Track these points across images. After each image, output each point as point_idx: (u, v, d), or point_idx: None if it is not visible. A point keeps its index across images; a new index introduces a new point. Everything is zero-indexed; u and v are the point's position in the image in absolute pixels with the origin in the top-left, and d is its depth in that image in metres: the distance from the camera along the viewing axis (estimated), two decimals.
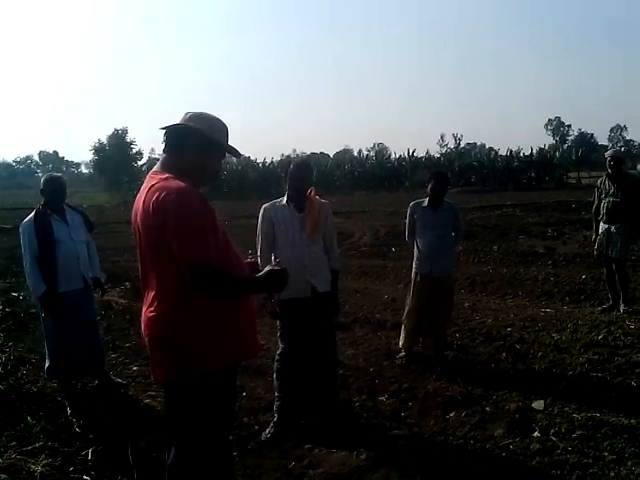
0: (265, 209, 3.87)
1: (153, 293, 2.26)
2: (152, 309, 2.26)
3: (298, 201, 3.80)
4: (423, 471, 3.16)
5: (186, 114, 2.39)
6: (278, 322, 3.88)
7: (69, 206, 4.51)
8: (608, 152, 6.58)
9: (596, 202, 6.53)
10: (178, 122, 2.35)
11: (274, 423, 3.78)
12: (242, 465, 3.35)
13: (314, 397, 3.93)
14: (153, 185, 2.22)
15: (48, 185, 4.38)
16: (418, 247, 5.01)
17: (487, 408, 3.93)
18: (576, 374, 4.41)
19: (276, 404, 3.84)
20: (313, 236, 3.76)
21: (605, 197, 6.36)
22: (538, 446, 3.33)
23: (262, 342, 5.70)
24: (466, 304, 6.97)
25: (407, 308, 5.10)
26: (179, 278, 2.16)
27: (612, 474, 3.03)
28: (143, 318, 2.33)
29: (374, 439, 3.56)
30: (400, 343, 5.11)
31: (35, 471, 3.13)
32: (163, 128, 2.37)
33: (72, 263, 4.31)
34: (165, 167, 2.32)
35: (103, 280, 4.74)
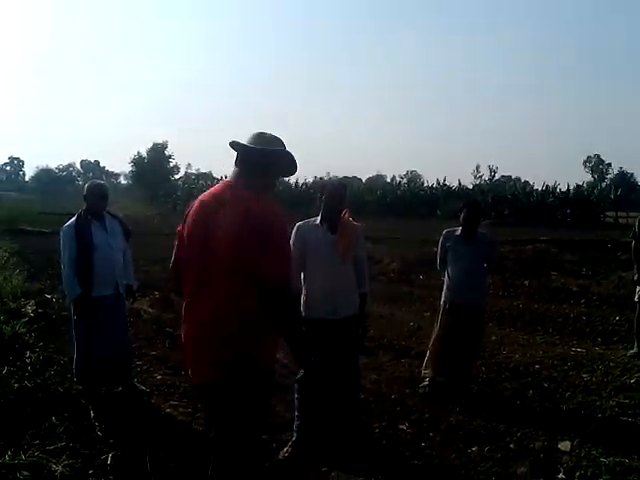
0: (298, 227, 3.88)
1: (211, 297, 2.35)
2: (210, 311, 2.36)
3: (332, 222, 3.82)
4: None
5: (262, 135, 2.53)
6: None
7: (109, 213, 4.63)
8: None
9: (636, 238, 6.17)
10: (261, 144, 2.48)
11: (292, 443, 3.77)
12: None
13: (335, 419, 3.89)
14: (241, 201, 2.32)
15: (91, 191, 4.51)
16: (449, 276, 4.96)
17: (511, 445, 3.84)
18: (605, 417, 4.28)
19: (296, 424, 3.82)
20: (344, 257, 3.76)
21: None
22: None
23: (285, 361, 5.78)
24: (493, 338, 6.84)
25: (433, 336, 5.04)
26: (243, 288, 2.29)
27: None
28: (193, 320, 2.45)
29: (392, 467, 3.50)
30: (423, 372, 5.04)
31: (56, 471, 3.19)
32: (249, 148, 2.47)
33: (107, 269, 4.39)
34: (248, 185, 2.42)
35: (135, 287, 4.84)
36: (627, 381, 5.03)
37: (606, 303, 9.16)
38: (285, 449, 3.74)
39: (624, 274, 11.14)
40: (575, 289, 10.36)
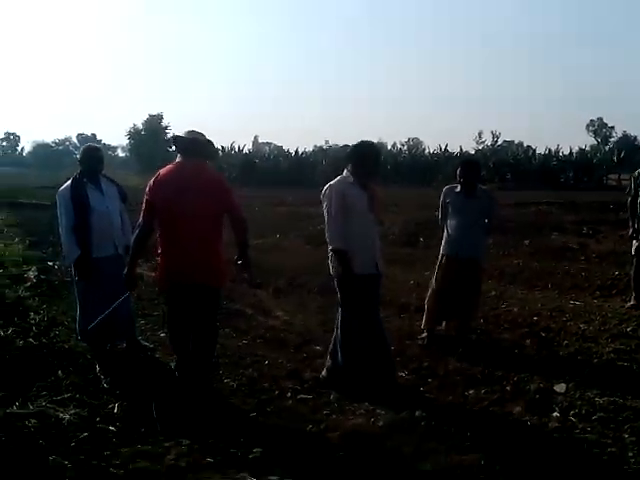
0: (336, 185, 3.95)
1: (203, 237, 3.67)
2: (206, 245, 3.69)
3: (365, 181, 3.96)
4: (438, 438, 3.19)
5: (190, 131, 3.77)
6: (340, 294, 3.99)
7: (105, 176, 4.63)
8: None
9: (632, 194, 6.27)
10: (196, 137, 3.74)
11: (330, 369, 4.05)
12: (262, 425, 3.44)
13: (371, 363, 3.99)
14: (206, 171, 3.75)
15: (87, 154, 4.51)
16: (447, 231, 5.02)
17: (507, 388, 3.92)
18: (601, 362, 4.35)
19: (337, 358, 4.01)
20: (377, 215, 3.99)
21: None
22: (557, 425, 3.32)
23: (286, 318, 5.87)
24: (493, 293, 6.90)
25: (430, 289, 5.10)
26: (220, 227, 3.79)
27: (630, 454, 3.00)
28: (186, 246, 3.63)
29: (392, 408, 3.60)
30: (422, 324, 5.12)
31: (63, 419, 3.27)
32: (184, 138, 3.75)
33: (105, 231, 4.42)
34: (201, 160, 3.75)
35: None
36: (624, 329, 5.10)
37: (605, 260, 9.20)
38: (323, 372, 4.09)
39: (624, 232, 11.15)
40: (575, 247, 10.40)
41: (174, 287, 3.75)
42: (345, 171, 4.02)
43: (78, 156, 4.59)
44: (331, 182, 4.02)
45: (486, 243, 5.35)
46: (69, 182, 4.45)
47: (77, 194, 4.36)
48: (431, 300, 5.05)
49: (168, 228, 3.71)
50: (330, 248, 3.96)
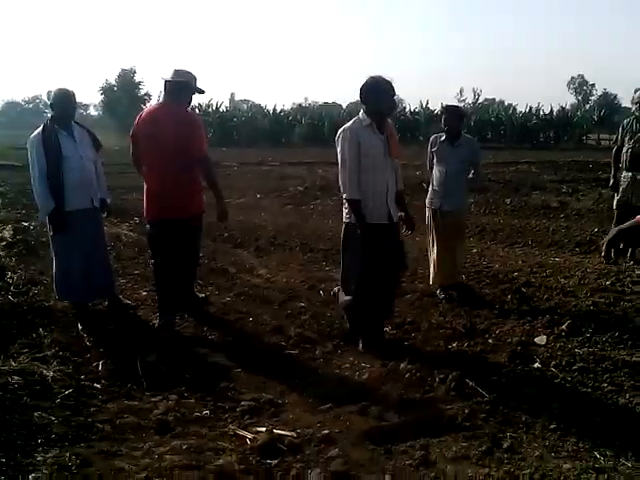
0: (349, 130, 3.72)
1: (174, 173, 4.08)
2: (177, 180, 4.09)
3: (381, 122, 3.75)
4: (422, 389, 3.26)
5: (177, 70, 4.18)
6: (349, 245, 3.92)
7: (77, 123, 4.43)
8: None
9: (618, 144, 6.21)
10: (177, 77, 4.15)
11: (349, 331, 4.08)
12: (248, 379, 3.46)
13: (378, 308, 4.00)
14: (180, 113, 4.13)
15: (59, 99, 4.29)
16: (432, 183, 5.04)
17: (489, 340, 3.98)
18: (581, 315, 4.42)
19: (351, 315, 4.03)
20: (396, 157, 3.77)
21: (631, 141, 6.01)
22: (537, 374, 3.38)
23: (269, 275, 5.85)
24: (474, 250, 6.95)
25: (430, 244, 5.13)
26: (188, 163, 4.09)
27: (610, 402, 3.08)
28: (162, 183, 4.12)
29: (377, 362, 3.65)
30: (431, 281, 5.14)
31: (47, 376, 3.23)
32: (168, 81, 4.17)
33: (79, 180, 4.25)
34: (177, 103, 4.15)
35: (109, 201, 4.69)
36: (603, 283, 5.19)
37: (585, 217, 9.32)
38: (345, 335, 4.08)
39: (604, 191, 11.27)
40: (555, 205, 10.50)
41: (154, 220, 4.21)
42: (361, 112, 3.80)
43: (49, 100, 4.36)
44: (345, 125, 3.81)
45: (467, 191, 5.31)
46: (40, 128, 4.25)
47: (49, 140, 4.16)
48: (436, 254, 5.05)
49: (147, 164, 4.23)
50: (344, 197, 3.84)
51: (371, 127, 3.72)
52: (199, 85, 4.32)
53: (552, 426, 2.83)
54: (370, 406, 3.04)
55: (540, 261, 6.38)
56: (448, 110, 5.05)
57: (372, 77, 3.74)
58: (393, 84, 3.75)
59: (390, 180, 3.81)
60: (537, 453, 2.61)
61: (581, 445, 2.68)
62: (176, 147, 3.97)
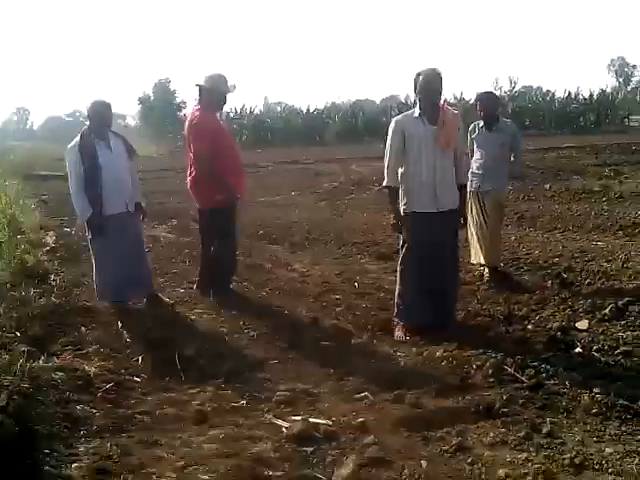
0: (397, 122, 3.89)
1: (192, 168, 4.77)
2: (195, 175, 4.76)
3: (431, 113, 3.77)
4: (461, 373, 3.24)
5: (208, 76, 4.68)
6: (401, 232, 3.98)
7: (112, 132, 4.56)
8: None
9: None
10: (205, 82, 4.65)
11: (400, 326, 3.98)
12: (284, 371, 3.48)
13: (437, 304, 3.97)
14: (195, 114, 4.71)
15: (95, 109, 4.43)
16: (472, 166, 5.03)
17: (529, 326, 3.90)
18: (624, 299, 4.26)
19: (400, 313, 4.01)
20: (447, 149, 3.76)
21: None
22: (579, 359, 3.29)
23: (304, 270, 5.87)
24: (513, 237, 6.80)
25: (471, 225, 5.09)
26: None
27: None
28: (190, 180, 4.86)
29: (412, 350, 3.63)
30: (475, 261, 5.16)
31: (89, 372, 3.33)
32: (200, 87, 4.69)
33: (115, 188, 4.38)
34: (203, 107, 4.69)
35: (144, 205, 4.84)
36: None
37: (628, 200, 8.99)
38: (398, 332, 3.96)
39: None
40: (597, 189, 10.16)
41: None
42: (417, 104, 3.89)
43: (86, 112, 4.50)
44: (397, 117, 3.98)
45: (507, 175, 5.28)
46: (77, 138, 4.39)
47: (86, 150, 4.30)
48: (476, 235, 5.07)
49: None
50: (383, 184, 3.98)
51: (420, 118, 3.79)
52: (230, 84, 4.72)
53: (593, 411, 2.75)
54: (406, 394, 3.01)
55: (581, 246, 6.19)
56: (482, 96, 5.17)
57: (425, 70, 3.80)
58: (441, 76, 3.79)
59: (439, 170, 3.79)
60: (578, 438, 2.54)
61: (623, 429, 2.60)
62: (190, 145, 4.80)
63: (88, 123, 4.49)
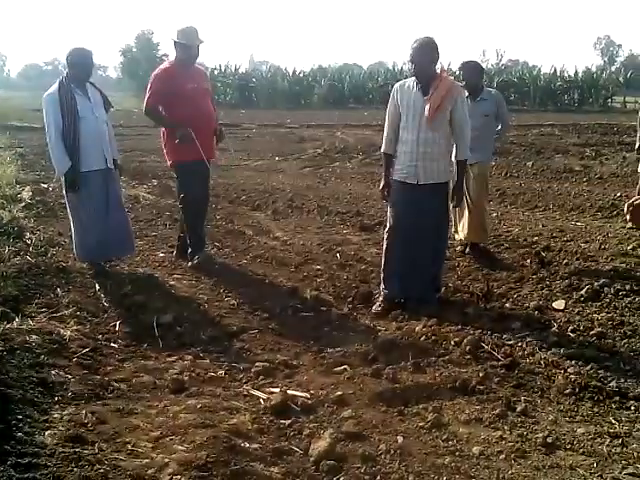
0: (395, 89, 3.86)
1: None
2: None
3: (424, 82, 3.70)
4: (439, 349, 3.26)
5: (179, 30, 4.54)
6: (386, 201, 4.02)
7: (91, 83, 4.38)
8: None
9: None
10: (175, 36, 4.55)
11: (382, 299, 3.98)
12: (263, 341, 3.47)
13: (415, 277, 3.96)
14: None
15: (76, 57, 4.23)
16: None
17: (507, 304, 3.95)
18: (601, 280, 4.33)
19: (383, 283, 4.01)
20: (432, 119, 3.65)
21: None
22: (554, 339, 3.34)
23: (286, 238, 5.82)
24: (494, 214, 6.81)
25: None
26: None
27: (627, 368, 3.04)
28: None
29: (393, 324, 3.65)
30: (455, 235, 5.15)
31: (64, 335, 3.28)
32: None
33: (94, 141, 4.23)
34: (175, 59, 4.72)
35: (119, 161, 4.69)
36: (624, 248, 5.07)
37: (608, 181, 9.08)
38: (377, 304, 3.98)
39: (628, 155, 10.96)
40: (578, 169, 10.24)
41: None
42: None
43: (67, 59, 4.29)
44: (398, 82, 3.96)
45: (493, 146, 5.25)
46: (55, 86, 4.20)
47: (65, 100, 4.12)
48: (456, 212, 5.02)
49: None
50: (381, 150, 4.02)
51: (416, 87, 3.75)
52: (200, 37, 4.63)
53: (567, 391, 2.80)
54: (384, 368, 3.03)
55: (561, 225, 6.25)
56: (465, 65, 5.11)
57: (417, 38, 3.73)
58: (432, 45, 3.71)
59: (422, 142, 3.70)
60: (551, 417, 2.59)
61: (596, 410, 2.66)
62: None
63: (67, 71, 4.29)
